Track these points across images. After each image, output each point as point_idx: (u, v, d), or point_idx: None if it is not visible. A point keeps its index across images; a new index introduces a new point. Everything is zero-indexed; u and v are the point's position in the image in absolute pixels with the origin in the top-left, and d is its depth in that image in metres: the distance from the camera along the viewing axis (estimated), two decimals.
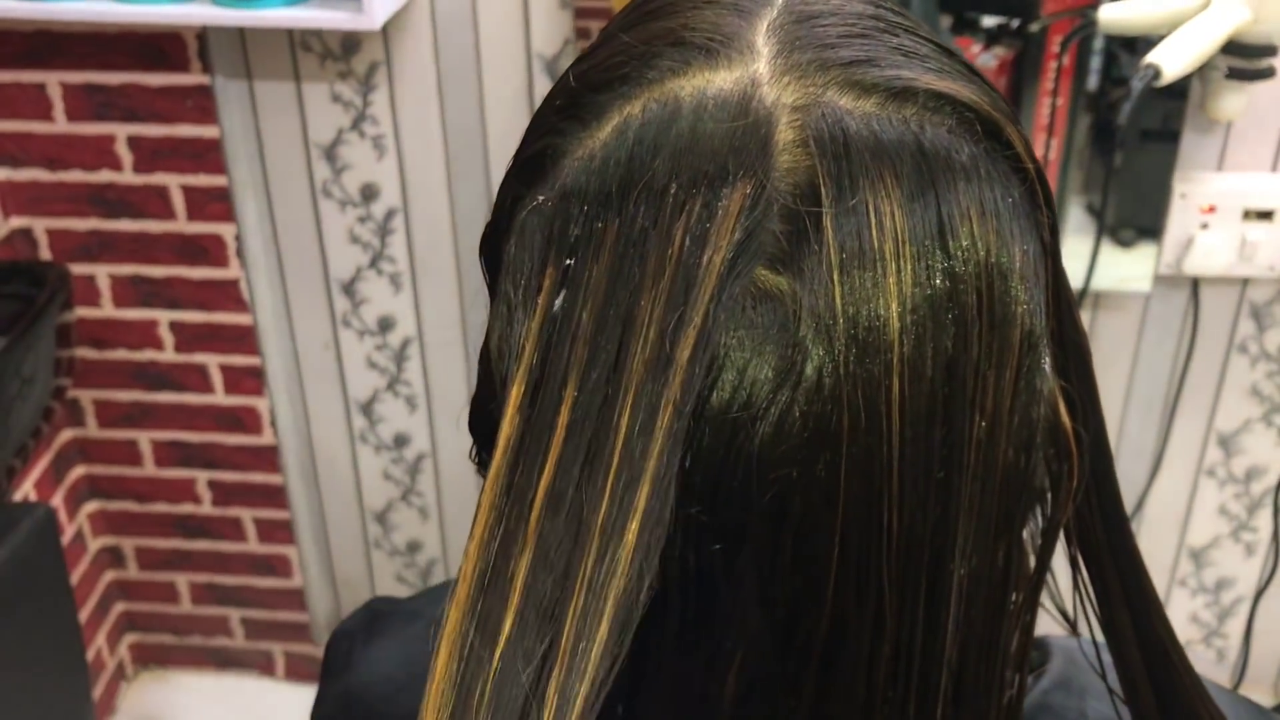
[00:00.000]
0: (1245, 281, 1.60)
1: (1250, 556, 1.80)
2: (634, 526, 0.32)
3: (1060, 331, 0.39)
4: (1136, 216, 1.58)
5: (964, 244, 0.34)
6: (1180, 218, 1.53)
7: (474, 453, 0.47)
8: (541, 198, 0.37)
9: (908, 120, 0.35)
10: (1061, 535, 0.42)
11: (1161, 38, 1.31)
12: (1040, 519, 0.40)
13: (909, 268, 0.33)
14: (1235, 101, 1.41)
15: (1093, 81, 1.55)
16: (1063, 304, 0.40)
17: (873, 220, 0.33)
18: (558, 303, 0.35)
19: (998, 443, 0.35)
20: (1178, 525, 1.78)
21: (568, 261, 0.35)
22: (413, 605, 0.60)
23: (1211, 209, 1.52)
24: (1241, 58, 1.35)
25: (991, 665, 0.39)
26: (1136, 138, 1.52)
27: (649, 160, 0.34)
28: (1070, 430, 0.39)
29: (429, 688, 0.32)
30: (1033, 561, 0.40)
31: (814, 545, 0.34)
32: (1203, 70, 1.38)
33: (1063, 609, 0.47)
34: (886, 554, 0.35)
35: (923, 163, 0.34)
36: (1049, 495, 0.40)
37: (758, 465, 0.34)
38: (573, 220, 0.35)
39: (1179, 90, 1.47)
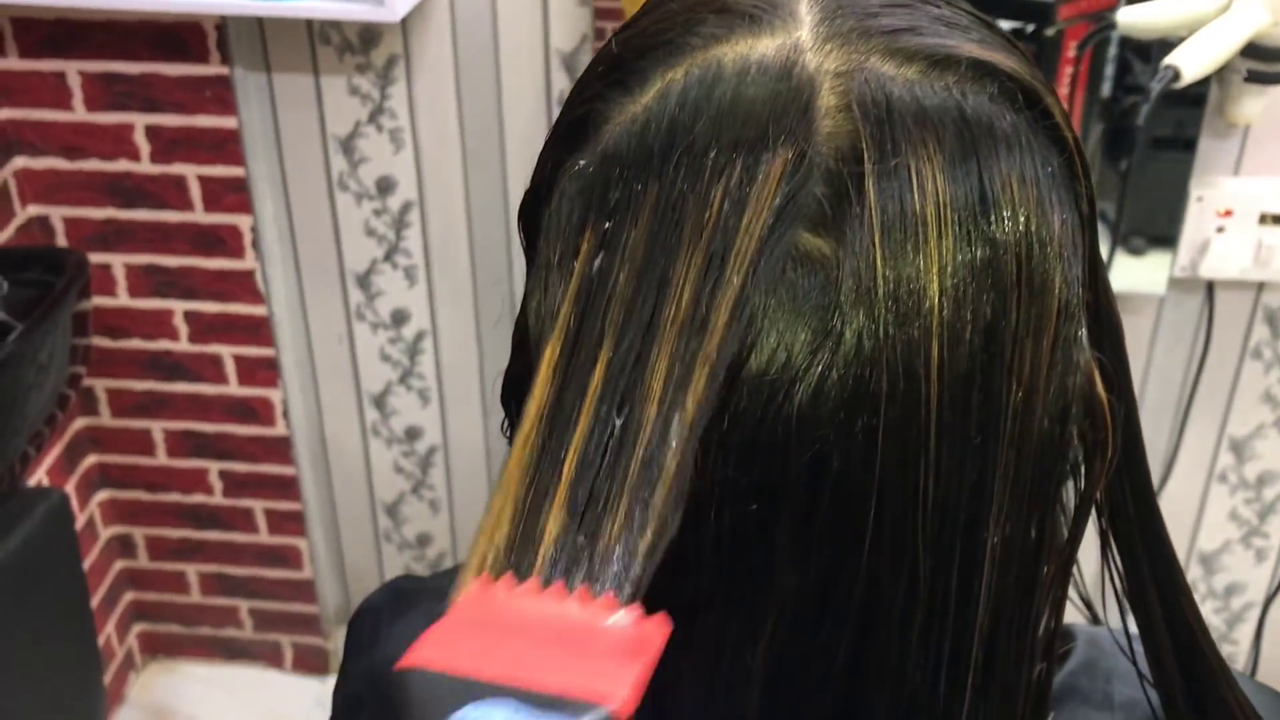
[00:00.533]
0: (1260, 286, 1.60)
1: (1261, 562, 1.79)
2: (663, 485, 0.32)
3: (1096, 305, 0.39)
4: (1148, 225, 1.58)
5: (1005, 211, 0.34)
6: (1196, 221, 1.53)
7: (505, 426, 0.47)
8: (583, 162, 0.37)
9: (950, 87, 0.35)
10: (1092, 511, 0.42)
11: (1180, 41, 1.32)
12: (1074, 495, 0.41)
13: (950, 232, 0.34)
14: (1254, 105, 1.41)
15: (1106, 89, 1.55)
16: (1098, 278, 0.40)
17: (915, 184, 0.34)
18: (595, 265, 0.35)
19: (1034, 410, 0.36)
20: (1188, 530, 1.78)
21: (606, 224, 0.35)
22: (438, 583, 0.60)
23: (1228, 213, 1.52)
24: (1261, 61, 1.35)
25: (1022, 637, 0.39)
26: (1149, 145, 1.52)
27: (690, 124, 0.35)
28: (1105, 402, 0.39)
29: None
30: (1065, 533, 0.40)
31: (850, 507, 0.35)
32: (1221, 73, 1.38)
33: (1087, 600, 0.47)
34: (922, 517, 0.35)
35: (965, 129, 0.35)
36: (1082, 468, 0.40)
37: (796, 427, 0.34)
38: (612, 184, 0.36)
39: (1193, 98, 1.47)
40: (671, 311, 0.33)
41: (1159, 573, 0.44)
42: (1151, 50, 1.47)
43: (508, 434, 0.47)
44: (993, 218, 0.34)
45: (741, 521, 0.35)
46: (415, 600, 0.59)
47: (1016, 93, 0.36)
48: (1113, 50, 1.52)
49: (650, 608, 0.35)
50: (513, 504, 0.33)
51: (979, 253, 0.34)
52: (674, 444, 0.32)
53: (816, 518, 0.35)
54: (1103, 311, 0.40)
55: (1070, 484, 0.40)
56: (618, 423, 0.33)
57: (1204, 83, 1.44)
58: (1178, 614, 0.45)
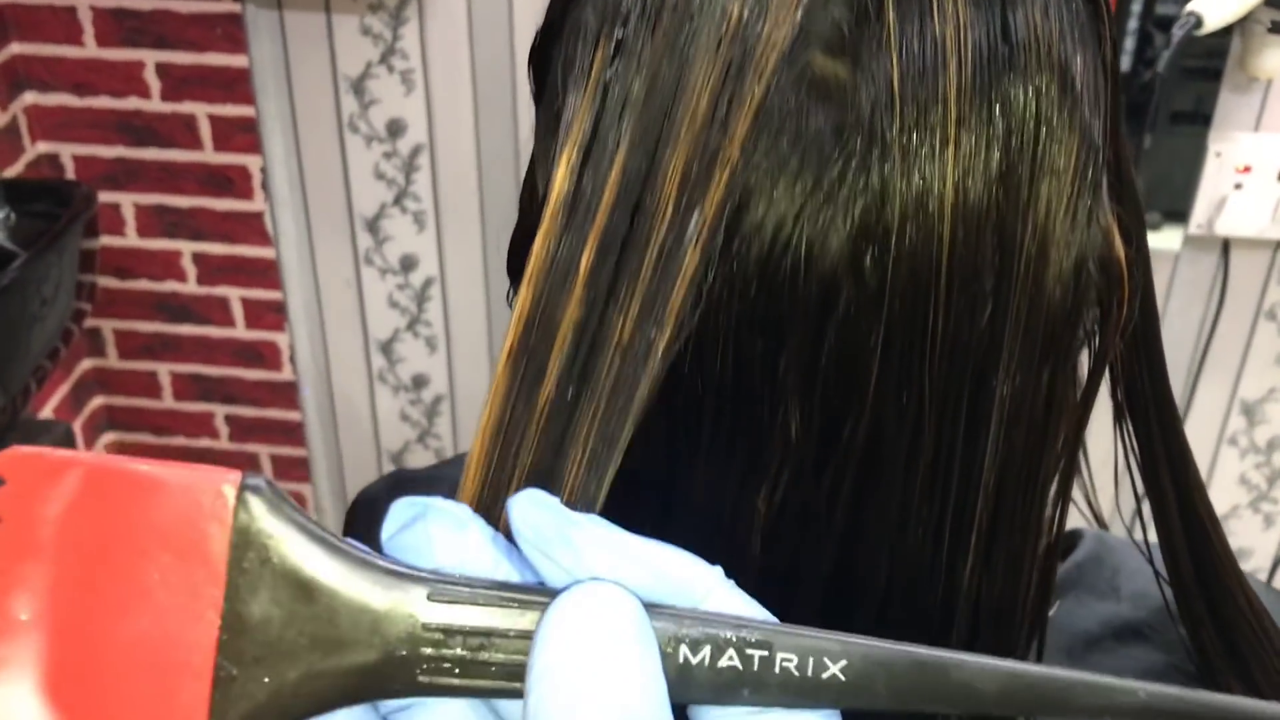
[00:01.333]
0: (1278, 245, 1.58)
1: (1269, 528, 1.78)
2: (681, 282, 0.31)
3: (1116, 163, 0.38)
4: (1163, 199, 1.56)
5: (1027, 39, 0.33)
6: (1214, 177, 1.51)
7: (510, 296, 0.46)
8: None
9: None
10: (1107, 383, 0.41)
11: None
12: (1089, 360, 0.40)
13: (970, 57, 0.33)
14: (1276, 58, 1.39)
15: (1126, 64, 1.53)
16: (1120, 140, 0.38)
17: (935, 6, 0.33)
18: (609, 73, 0.34)
19: (1048, 256, 0.34)
20: None
21: (619, 33, 0.34)
22: (436, 471, 0.60)
23: (1247, 169, 1.50)
24: None
25: (1029, 502, 0.38)
26: (1166, 120, 1.50)
27: None
28: (1123, 259, 0.38)
29: (477, 431, 0.32)
30: (1078, 397, 0.39)
31: (857, 344, 0.34)
32: (1244, 24, 1.36)
33: (1097, 513, 0.46)
34: (930, 358, 0.34)
35: None
36: (1098, 332, 0.39)
37: (805, 259, 0.33)
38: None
39: (1212, 71, 1.46)
40: (687, 117, 0.32)
41: (1173, 451, 0.43)
42: (1173, 25, 1.45)
43: (512, 303, 0.46)
44: (1014, 45, 0.33)
45: (747, 360, 0.34)
46: (413, 488, 0.59)
47: None
48: (1133, 24, 1.51)
49: (655, 445, 0.34)
50: (533, 296, 0.33)
51: (999, 81, 0.33)
52: (690, 242, 0.31)
53: (823, 354, 0.34)
54: (1122, 169, 0.39)
55: (1085, 351, 0.39)
56: (633, 223, 0.32)
57: (1222, 58, 1.42)
58: (1189, 501, 0.44)
